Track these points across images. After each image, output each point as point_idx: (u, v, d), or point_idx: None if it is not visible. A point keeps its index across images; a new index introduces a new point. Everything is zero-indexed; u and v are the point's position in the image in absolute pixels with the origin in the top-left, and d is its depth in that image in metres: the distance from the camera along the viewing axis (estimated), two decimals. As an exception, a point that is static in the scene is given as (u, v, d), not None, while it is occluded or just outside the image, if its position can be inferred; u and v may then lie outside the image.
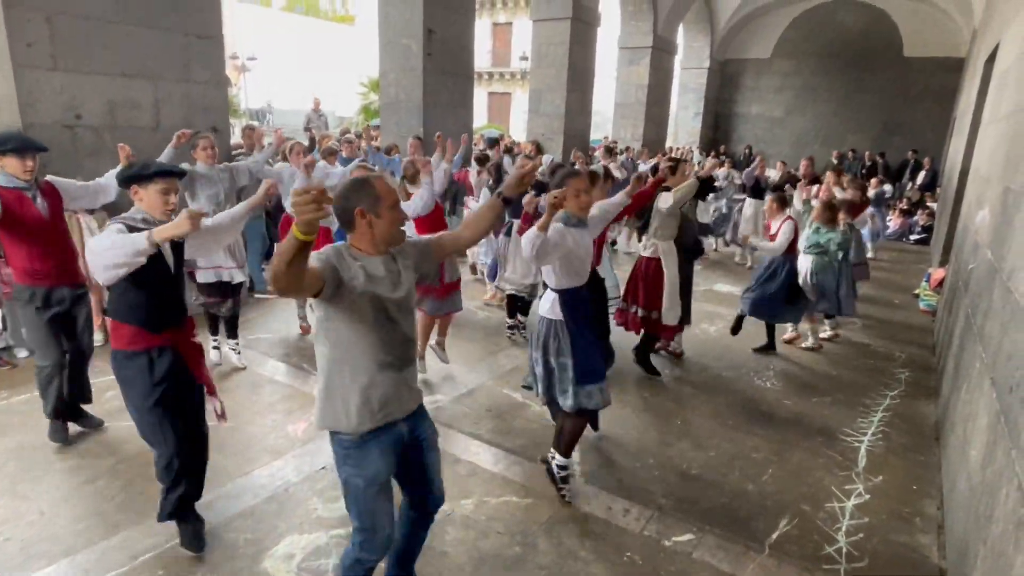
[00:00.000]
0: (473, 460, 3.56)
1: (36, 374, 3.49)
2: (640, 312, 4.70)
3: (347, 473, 2.05)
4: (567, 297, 3.09)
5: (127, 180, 2.51)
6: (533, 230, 2.81)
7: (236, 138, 7.45)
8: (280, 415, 4.00)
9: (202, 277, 4.50)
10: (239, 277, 4.59)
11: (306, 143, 8.15)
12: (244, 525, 2.91)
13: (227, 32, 6.20)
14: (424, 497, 2.29)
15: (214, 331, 4.73)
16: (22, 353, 4.48)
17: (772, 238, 5.24)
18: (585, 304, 3.19)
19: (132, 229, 2.38)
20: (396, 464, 2.13)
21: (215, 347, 4.71)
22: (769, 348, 5.52)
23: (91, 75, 4.81)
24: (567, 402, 3.11)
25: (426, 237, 2.23)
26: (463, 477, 3.38)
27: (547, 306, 3.13)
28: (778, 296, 5.21)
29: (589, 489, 3.33)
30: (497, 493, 3.25)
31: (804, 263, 5.56)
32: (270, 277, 1.74)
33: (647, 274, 4.66)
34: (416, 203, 4.37)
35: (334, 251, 1.93)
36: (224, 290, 4.56)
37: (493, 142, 11.70)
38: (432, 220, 4.49)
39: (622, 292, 4.94)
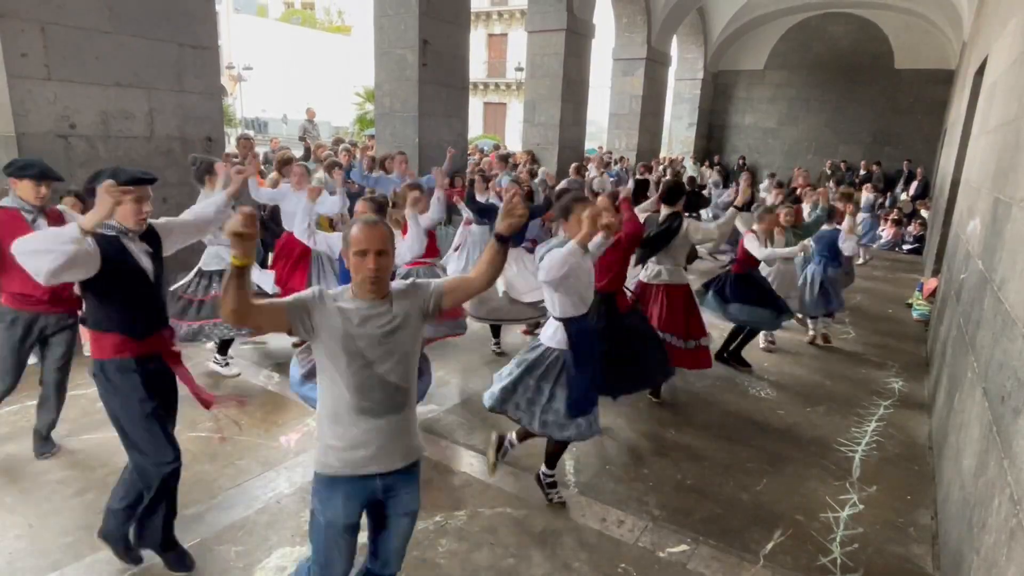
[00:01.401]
0: (467, 471, 3.54)
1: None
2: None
3: (313, 505, 2.01)
4: (572, 327, 3.08)
5: (94, 189, 2.36)
6: (571, 246, 2.78)
7: (231, 147, 7.45)
8: (273, 426, 3.97)
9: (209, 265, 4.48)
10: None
11: (300, 152, 8.16)
12: (235, 537, 2.88)
13: (223, 42, 6.23)
14: (375, 559, 2.13)
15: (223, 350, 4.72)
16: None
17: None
18: (587, 335, 3.12)
19: (100, 236, 2.32)
20: (361, 514, 2.02)
21: (224, 362, 4.71)
22: (740, 360, 5.41)
23: (85, 85, 4.81)
24: (554, 432, 3.11)
25: (437, 283, 2.06)
26: (457, 488, 3.37)
27: (549, 333, 3.15)
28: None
29: (583, 500, 3.32)
30: (491, 504, 3.23)
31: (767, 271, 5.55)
32: (223, 307, 1.74)
33: (660, 301, 4.47)
34: (403, 252, 3.89)
35: (314, 292, 1.89)
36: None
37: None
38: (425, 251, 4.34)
39: None
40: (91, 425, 3.76)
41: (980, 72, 6.46)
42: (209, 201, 2.94)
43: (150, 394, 2.49)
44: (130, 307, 2.45)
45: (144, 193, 2.47)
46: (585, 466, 3.67)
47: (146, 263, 2.48)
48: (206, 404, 2.73)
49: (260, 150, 7.52)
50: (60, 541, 2.80)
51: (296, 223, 4.12)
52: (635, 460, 3.78)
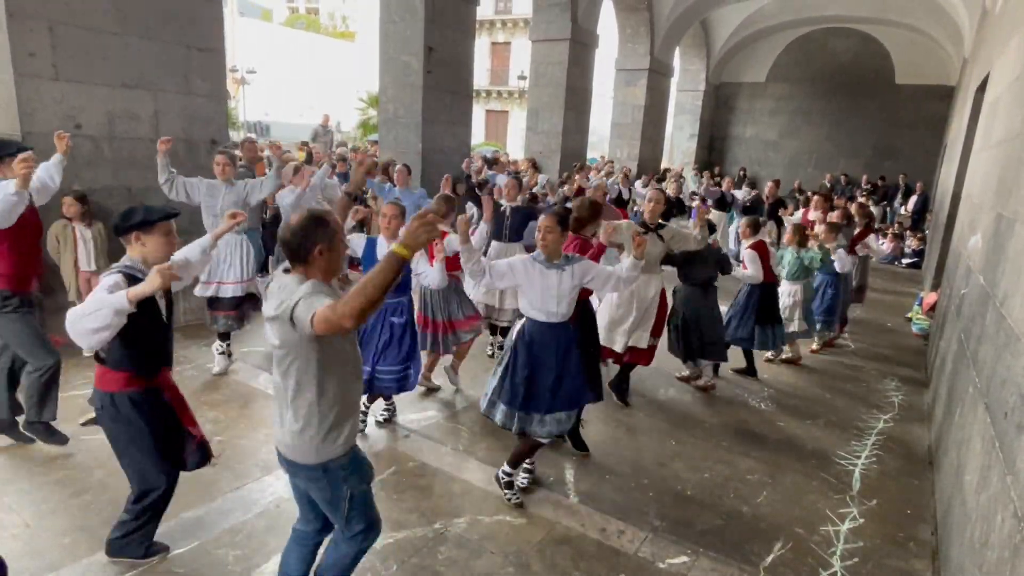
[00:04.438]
0: (467, 478, 3.53)
1: (37, 378, 3.40)
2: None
3: (348, 489, 2.14)
4: (525, 326, 3.25)
5: (129, 228, 2.42)
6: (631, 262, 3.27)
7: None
8: (271, 429, 3.95)
9: (200, 291, 4.58)
10: (239, 292, 4.65)
11: (303, 157, 8.18)
12: (233, 541, 2.86)
13: (228, 45, 6.24)
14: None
15: (223, 337, 4.79)
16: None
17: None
18: (534, 344, 3.19)
19: (132, 279, 2.33)
20: None
21: (220, 353, 4.76)
22: (750, 372, 5.45)
23: (91, 85, 4.83)
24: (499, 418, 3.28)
25: (320, 301, 1.86)
26: (456, 496, 3.35)
27: (516, 328, 3.32)
28: (751, 320, 5.16)
29: (583, 509, 3.31)
30: (490, 512, 3.22)
31: (789, 288, 5.58)
32: (358, 309, 1.69)
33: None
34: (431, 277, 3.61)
35: (318, 282, 1.96)
36: (226, 304, 4.64)
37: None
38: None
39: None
40: (89, 428, 3.74)
41: (981, 89, 6.50)
42: (194, 244, 2.92)
43: (158, 425, 2.55)
44: (146, 347, 2.49)
45: (172, 227, 2.53)
46: (585, 475, 3.66)
47: (161, 303, 2.53)
48: (199, 442, 2.74)
49: (262, 154, 7.53)
50: (57, 542, 2.78)
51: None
52: (636, 470, 3.77)
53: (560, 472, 3.66)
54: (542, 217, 3.17)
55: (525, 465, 3.47)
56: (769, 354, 5.79)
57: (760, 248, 5.10)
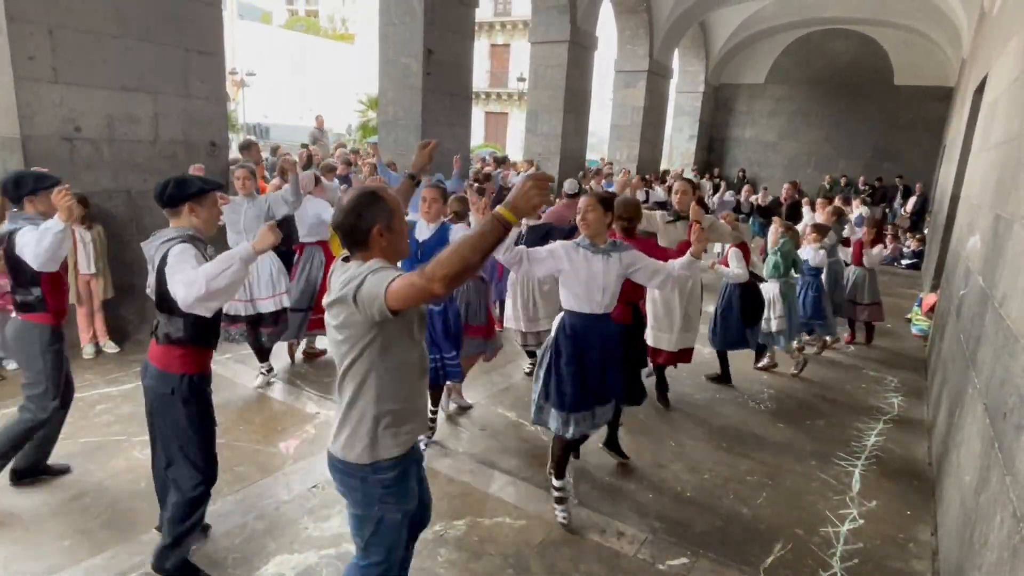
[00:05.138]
0: (466, 480, 3.53)
1: (41, 416, 3.08)
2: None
3: (378, 511, 1.93)
4: (565, 319, 3.05)
5: (186, 197, 2.39)
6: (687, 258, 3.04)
7: (234, 153, 7.47)
8: (272, 432, 3.96)
9: (236, 310, 4.44)
10: (278, 305, 4.60)
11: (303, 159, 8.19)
12: (233, 544, 2.86)
13: (227, 48, 6.25)
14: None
15: (262, 356, 4.73)
16: (11, 365, 4.43)
17: (724, 262, 5.08)
18: (578, 337, 3.00)
19: (195, 243, 2.38)
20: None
21: (262, 372, 4.71)
22: (724, 379, 5.31)
23: (91, 88, 4.83)
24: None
25: (389, 273, 1.80)
26: (456, 497, 3.35)
27: (556, 322, 3.14)
28: (735, 321, 5.07)
29: (583, 511, 3.30)
30: (490, 514, 3.22)
31: (767, 287, 5.45)
32: (453, 273, 1.55)
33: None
34: None
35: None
36: (268, 320, 4.60)
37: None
38: None
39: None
40: (89, 429, 3.74)
41: (980, 90, 6.51)
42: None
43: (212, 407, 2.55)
44: (214, 318, 2.47)
45: (217, 197, 2.57)
46: (585, 477, 3.66)
47: None
48: None
49: (263, 155, 7.55)
50: (57, 545, 2.78)
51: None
52: (635, 472, 3.77)
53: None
54: (582, 198, 3.00)
55: (558, 486, 3.22)
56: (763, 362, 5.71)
57: (744, 248, 5.06)
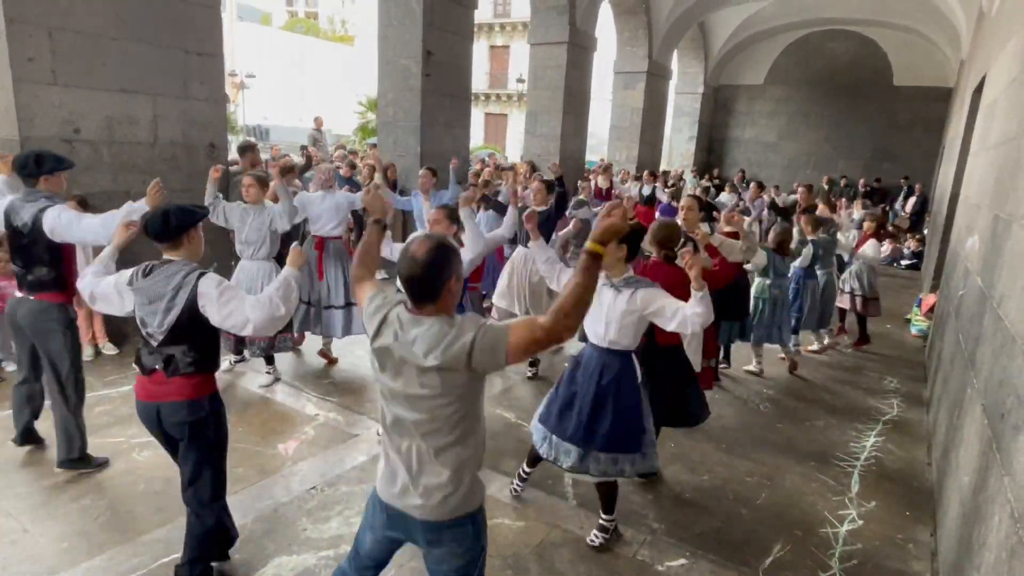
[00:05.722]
0: (465, 481, 3.52)
1: (72, 404, 3.32)
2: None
3: (486, 539, 1.95)
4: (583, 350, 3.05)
5: (190, 225, 2.38)
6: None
7: (233, 154, 7.48)
8: (271, 434, 3.96)
9: None
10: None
11: (303, 161, 8.18)
12: (232, 546, 2.86)
13: (226, 50, 6.26)
14: None
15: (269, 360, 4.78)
16: (10, 366, 4.43)
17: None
18: (580, 362, 3.00)
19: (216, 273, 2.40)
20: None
21: (267, 372, 4.77)
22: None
23: (90, 90, 4.84)
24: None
25: (502, 327, 1.71)
26: (455, 498, 3.35)
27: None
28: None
29: (582, 512, 3.30)
30: (489, 516, 3.17)
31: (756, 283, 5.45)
32: (579, 319, 1.65)
33: None
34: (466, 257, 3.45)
35: (471, 314, 1.79)
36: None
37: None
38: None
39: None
40: (88, 430, 3.73)
41: (979, 90, 6.51)
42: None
43: None
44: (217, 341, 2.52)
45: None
46: (584, 478, 3.65)
47: None
48: None
49: (262, 157, 7.53)
50: (56, 547, 2.78)
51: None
52: (634, 472, 3.76)
53: (557, 475, 3.66)
54: None
55: (524, 470, 3.38)
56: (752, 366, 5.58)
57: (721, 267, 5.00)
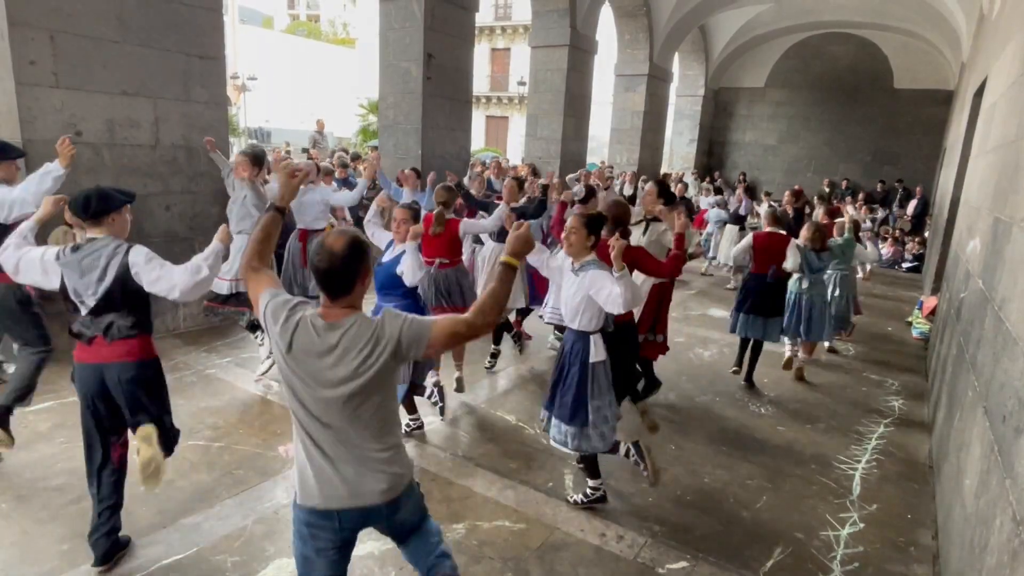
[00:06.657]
0: (466, 484, 3.52)
1: (36, 359, 3.57)
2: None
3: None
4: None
5: (112, 208, 2.58)
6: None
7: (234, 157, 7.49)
8: (271, 435, 3.96)
9: (222, 288, 4.64)
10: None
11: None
12: (231, 547, 2.86)
13: (228, 52, 6.27)
14: None
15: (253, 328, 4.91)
16: (12, 368, 4.43)
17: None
18: (564, 345, 3.28)
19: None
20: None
21: (260, 344, 4.90)
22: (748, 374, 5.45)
23: (92, 93, 4.85)
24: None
25: (426, 320, 1.84)
26: (455, 501, 3.35)
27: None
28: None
29: (582, 514, 3.30)
30: (489, 518, 3.21)
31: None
32: (497, 315, 1.85)
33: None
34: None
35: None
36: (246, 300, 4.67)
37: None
38: (449, 242, 4.60)
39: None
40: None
41: (979, 93, 6.51)
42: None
43: None
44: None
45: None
46: (584, 480, 3.65)
47: None
48: None
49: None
50: (55, 549, 2.78)
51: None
52: (635, 475, 3.75)
53: (559, 477, 3.66)
54: (568, 220, 3.16)
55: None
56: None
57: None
